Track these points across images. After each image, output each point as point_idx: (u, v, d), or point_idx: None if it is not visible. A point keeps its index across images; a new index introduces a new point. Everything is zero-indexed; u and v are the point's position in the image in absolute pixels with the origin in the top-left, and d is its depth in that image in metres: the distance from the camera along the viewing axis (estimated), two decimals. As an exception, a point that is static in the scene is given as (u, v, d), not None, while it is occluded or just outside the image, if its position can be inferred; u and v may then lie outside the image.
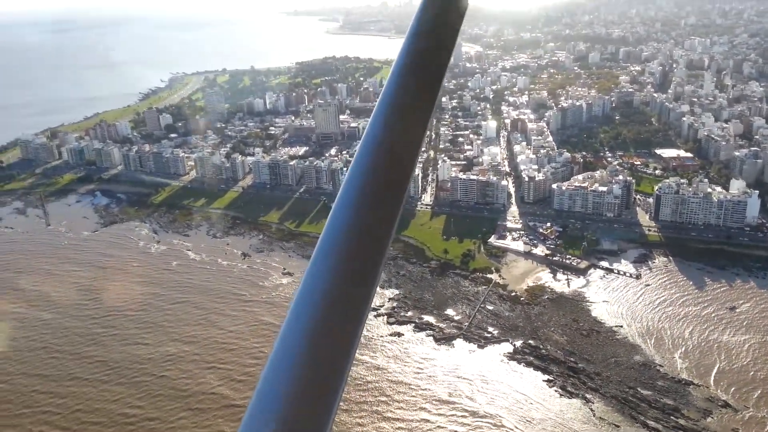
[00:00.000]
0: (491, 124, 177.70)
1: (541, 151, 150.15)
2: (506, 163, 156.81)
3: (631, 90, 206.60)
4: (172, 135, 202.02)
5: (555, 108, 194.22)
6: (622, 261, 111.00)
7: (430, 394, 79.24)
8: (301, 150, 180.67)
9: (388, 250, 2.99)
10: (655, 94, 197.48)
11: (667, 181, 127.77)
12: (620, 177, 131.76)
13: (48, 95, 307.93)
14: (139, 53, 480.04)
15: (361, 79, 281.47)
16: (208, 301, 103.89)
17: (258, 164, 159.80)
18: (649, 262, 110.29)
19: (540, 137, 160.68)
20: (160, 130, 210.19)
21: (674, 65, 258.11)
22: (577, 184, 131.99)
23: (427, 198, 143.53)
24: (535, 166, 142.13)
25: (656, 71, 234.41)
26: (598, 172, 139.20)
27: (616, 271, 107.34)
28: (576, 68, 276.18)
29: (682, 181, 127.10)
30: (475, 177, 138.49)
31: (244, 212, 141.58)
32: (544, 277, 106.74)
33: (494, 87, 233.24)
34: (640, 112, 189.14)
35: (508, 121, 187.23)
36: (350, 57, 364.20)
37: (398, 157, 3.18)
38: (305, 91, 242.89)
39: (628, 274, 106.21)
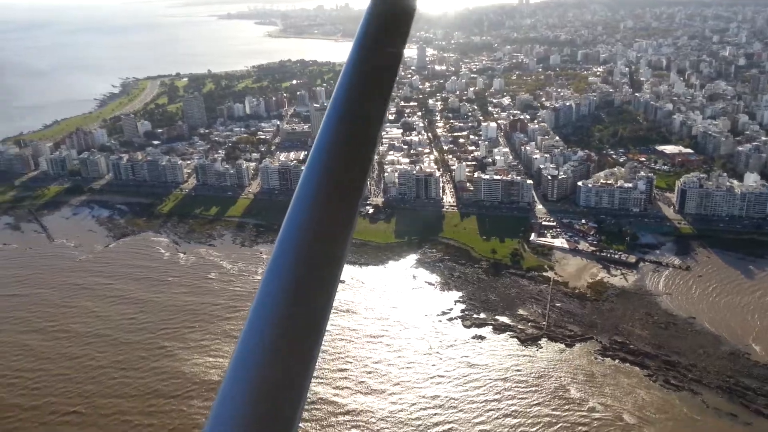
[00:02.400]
0: (491, 125, 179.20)
1: (555, 150, 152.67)
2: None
3: (610, 90, 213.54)
4: (155, 142, 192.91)
5: (544, 108, 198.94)
6: (666, 254, 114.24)
7: (549, 391, 78.74)
8: (300, 154, 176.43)
9: (347, 250, 3.04)
10: (637, 94, 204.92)
11: (689, 176, 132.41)
12: (642, 173, 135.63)
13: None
14: (70, 59, 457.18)
15: (332, 81, 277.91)
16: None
17: (267, 170, 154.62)
18: (691, 254, 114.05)
19: (547, 137, 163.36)
20: (139, 137, 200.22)
21: (633, 66, 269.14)
22: (602, 181, 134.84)
23: (448, 199, 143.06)
24: (552, 165, 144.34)
25: (624, 72, 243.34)
26: (615, 168, 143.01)
27: (665, 264, 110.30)
28: (539, 69, 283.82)
29: (701, 175, 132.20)
30: (498, 177, 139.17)
31: (265, 219, 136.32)
32: (599, 272, 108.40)
33: (471, 89, 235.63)
34: (625, 111, 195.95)
35: (501, 122, 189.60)
36: (307, 60, 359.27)
37: (354, 157, 3.31)
38: (285, 95, 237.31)
39: (677, 267, 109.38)
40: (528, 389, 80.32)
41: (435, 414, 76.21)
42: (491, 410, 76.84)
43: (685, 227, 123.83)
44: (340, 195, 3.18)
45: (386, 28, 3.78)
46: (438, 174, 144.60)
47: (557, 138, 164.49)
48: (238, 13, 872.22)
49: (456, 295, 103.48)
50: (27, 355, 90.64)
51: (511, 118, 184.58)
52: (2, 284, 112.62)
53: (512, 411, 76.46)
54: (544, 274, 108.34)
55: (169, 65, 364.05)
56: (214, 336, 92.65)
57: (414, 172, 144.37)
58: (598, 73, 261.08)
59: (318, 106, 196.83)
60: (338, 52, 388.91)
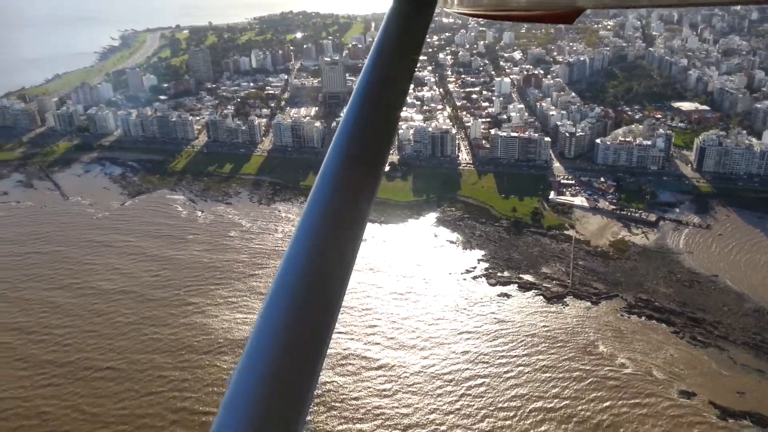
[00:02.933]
0: (505, 80, 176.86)
1: (572, 106, 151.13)
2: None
3: (624, 45, 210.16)
4: (162, 97, 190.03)
5: (557, 63, 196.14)
6: (685, 212, 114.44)
7: (578, 347, 79.86)
8: (312, 110, 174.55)
9: (363, 232, 3.23)
10: (651, 49, 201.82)
11: (708, 133, 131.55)
12: (660, 131, 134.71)
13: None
14: (65, 8, 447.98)
15: (338, 35, 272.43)
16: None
17: (279, 126, 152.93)
18: (711, 213, 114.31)
19: (562, 93, 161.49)
20: (144, 91, 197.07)
21: (644, 20, 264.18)
22: (621, 138, 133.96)
23: (464, 156, 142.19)
24: (569, 122, 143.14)
25: (637, 26, 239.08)
26: (633, 125, 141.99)
27: (685, 223, 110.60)
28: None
29: (720, 133, 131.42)
30: (515, 134, 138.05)
31: (280, 178, 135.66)
32: (620, 231, 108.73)
33: (481, 42, 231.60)
34: (638, 66, 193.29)
35: (514, 77, 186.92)
36: (309, 12, 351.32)
37: (375, 141, 3.56)
38: (291, 48, 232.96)
39: (697, 225, 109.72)
40: (557, 345, 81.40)
41: (466, 369, 77.31)
42: (522, 365, 78.01)
43: (703, 185, 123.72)
44: (354, 195, 3.36)
45: (407, 25, 4.23)
46: (454, 131, 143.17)
47: (573, 94, 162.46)
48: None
49: (478, 253, 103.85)
50: (54, 311, 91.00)
51: (525, 73, 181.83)
52: (21, 241, 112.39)
53: (542, 366, 77.68)
54: (566, 232, 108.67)
55: (168, 17, 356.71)
56: (241, 292, 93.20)
57: (430, 129, 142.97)
58: (609, 26, 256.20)
59: (329, 60, 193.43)
60: (338, 3, 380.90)
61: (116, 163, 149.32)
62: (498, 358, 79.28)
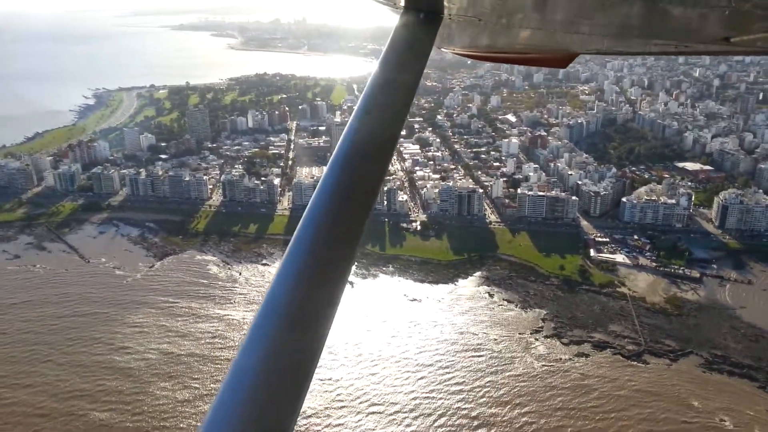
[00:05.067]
0: (513, 141, 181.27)
1: (589, 167, 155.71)
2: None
3: (612, 108, 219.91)
4: (163, 156, 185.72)
5: (551, 126, 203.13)
6: (723, 268, 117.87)
7: (671, 401, 79.49)
8: (323, 169, 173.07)
9: (356, 251, 3.41)
10: (640, 112, 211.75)
11: (727, 192, 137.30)
12: (681, 190, 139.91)
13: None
14: (27, 69, 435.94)
15: (318, 99, 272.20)
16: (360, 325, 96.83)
17: (300, 186, 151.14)
18: (746, 268, 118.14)
19: (574, 153, 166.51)
20: (142, 150, 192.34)
21: (619, 85, 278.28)
22: (646, 197, 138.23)
23: (490, 215, 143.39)
24: (589, 182, 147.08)
25: (618, 90, 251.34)
26: (652, 185, 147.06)
27: (727, 278, 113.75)
28: (525, 87, 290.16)
29: (739, 191, 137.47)
30: (542, 193, 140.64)
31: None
32: (669, 287, 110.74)
33: (472, 105, 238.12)
34: (631, 129, 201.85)
35: (514, 138, 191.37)
36: (283, 74, 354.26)
37: (371, 163, 3.81)
38: (287, 109, 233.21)
39: (739, 281, 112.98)
40: (650, 400, 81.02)
41: (561, 425, 75.93)
42: (622, 420, 77.32)
43: (731, 242, 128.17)
44: (355, 196, 3.51)
45: (407, 51, 4.44)
46: (480, 190, 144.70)
47: (585, 155, 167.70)
48: (190, 24, 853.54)
49: (540, 312, 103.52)
50: (115, 375, 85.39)
51: (529, 134, 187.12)
52: (53, 303, 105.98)
53: (641, 419, 77.15)
54: (618, 290, 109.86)
55: (137, 76, 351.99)
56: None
57: (456, 188, 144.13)
58: (586, 91, 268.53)
59: (339, 121, 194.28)
60: (312, 66, 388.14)
61: (131, 223, 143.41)
62: (593, 412, 78.30)
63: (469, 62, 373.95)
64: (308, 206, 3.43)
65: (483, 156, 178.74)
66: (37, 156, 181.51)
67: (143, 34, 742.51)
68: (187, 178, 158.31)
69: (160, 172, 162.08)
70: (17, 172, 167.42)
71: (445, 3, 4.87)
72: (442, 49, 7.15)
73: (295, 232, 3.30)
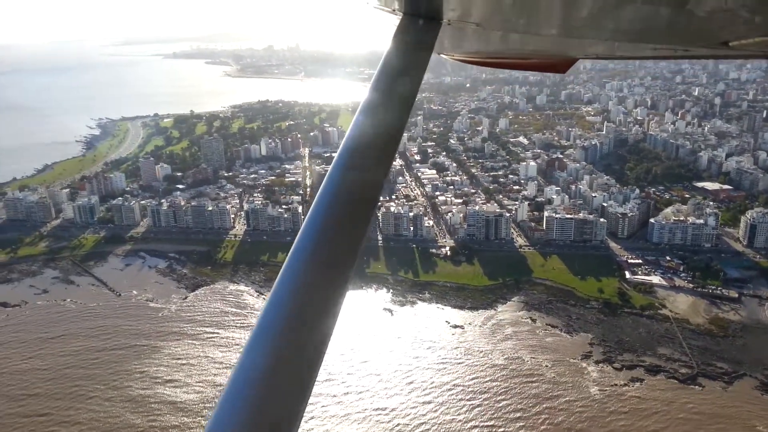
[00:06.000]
0: (531, 164, 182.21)
1: (612, 188, 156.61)
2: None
3: (623, 129, 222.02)
4: (180, 186, 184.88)
5: (562, 148, 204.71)
6: (760, 287, 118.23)
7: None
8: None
9: (358, 255, 3.45)
10: (651, 133, 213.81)
11: (753, 211, 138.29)
12: (707, 210, 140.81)
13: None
14: (24, 100, 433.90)
15: (327, 125, 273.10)
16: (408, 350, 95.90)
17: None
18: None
19: (594, 175, 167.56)
20: (158, 181, 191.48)
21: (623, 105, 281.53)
22: (673, 218, 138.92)
23: (517, 238, 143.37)
24: (614, 203, 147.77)
25: (626, 111, 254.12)
26: (677, 206, 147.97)
27: (766, 297, 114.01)
28: (530, 110, 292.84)
29: (765, 210, 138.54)
30: (570, 216, 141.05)
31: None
32: (710, 308, 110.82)
33: (482, 129, 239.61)
34: (643, 150, 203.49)
35: (530, 161, 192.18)
36: (285, 101, 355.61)
37: (371, 171, 3.86)
38: (299, 136, 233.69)
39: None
40: (712, 423, 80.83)
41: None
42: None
43: (763, 261, 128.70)
44: (354, 208, 3.52)
45: (406, 57, 4.48)
46: (508, 215, 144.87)
47: (606, 176, 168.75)
48: (183, 52, 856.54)
49: (586, 337, 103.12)
50: (178, 410, 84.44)
51: (547, 157, 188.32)
52: (90, 336, 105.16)
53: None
54: (660, 312, 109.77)
55: (137, 105, 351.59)
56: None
57: (483, 212, 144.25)
58: (591, 112, 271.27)
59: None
60: (312, 92, 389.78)
61: (156, 255, 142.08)
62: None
63: (468, 85, 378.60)
64: (310, 211, 3.47)
65: (501, 180, 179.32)
66: (53, 188, 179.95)
67: (136, 63, 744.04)
68: (210, 208, 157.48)
69: (182, 203, 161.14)
70: (35, 205, 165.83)
71: (445, 8, 4.84)
72: (442, 55, 7.13)
73: (298, 236, 3.34)
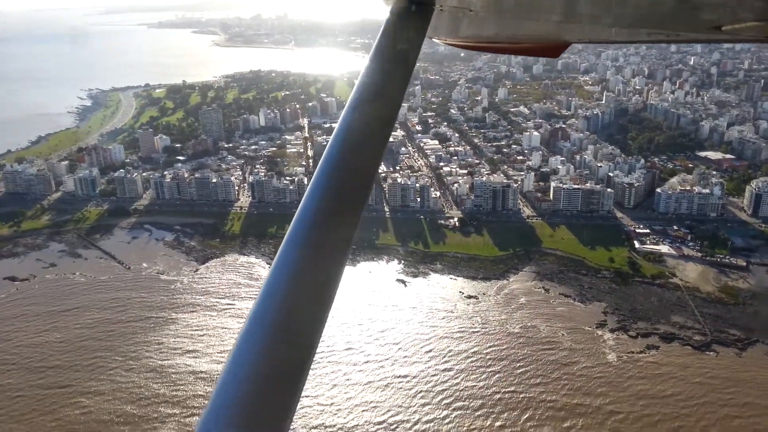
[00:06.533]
0: (534, 134, 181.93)
1: (618, 158, 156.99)
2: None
3: (623, 99, 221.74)
4: (180, 157, 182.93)
5: (564, 118, 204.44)
6: (766, 256, 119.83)
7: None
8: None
9: (351, 244, 3.42)
10: (651, 102, 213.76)
11: (758, 181, 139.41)
12: (713, 180, 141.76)
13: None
14: (8, 69, 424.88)
15: (324, 95, 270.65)
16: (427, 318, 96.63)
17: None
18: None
19: (598, 145, 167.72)
20: (158, 153, 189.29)
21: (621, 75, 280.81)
22: (679, 187, 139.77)
23: (524, 209, 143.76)
24: (620, 173, 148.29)
25: (625, 81, 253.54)
26: (682, 175, 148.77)
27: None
28: (527, 79, 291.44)
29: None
30: (577, 186, 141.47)
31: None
32: (719, 277, 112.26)
33: (482, 98, 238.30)
34: (645, 119, 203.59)
35: (532, 130, 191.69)
36: (278, 71, 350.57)
37: (365, 155, 3.83)
38: (298, 107, 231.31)
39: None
40: (728, 387, 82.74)
41: (647, 413, 77.01)
42: (705, 405, 78.89)
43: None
44: (349, 192, 3.53)
45: (399, 42, 4.52)
46: (515, 185, 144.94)
47: (611, 146, 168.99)
48: (169, 21, 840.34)
49: (599, 306, 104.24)
50: (203, 380, 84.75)
51: (550, 126, 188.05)
52: (105, 308, 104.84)
53: (724, 405, 78.95)
54: (671, 280, 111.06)
55: (127, 76, 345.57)
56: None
57: (490, 183, 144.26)
58: (589, 82, 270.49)
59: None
60: (304, 61, 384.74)
61: (163, 228, 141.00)
62: (677, 400, 79.58)
63: (462, 54, 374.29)
64: (303, 199, 3.39)
65: (505, 150, 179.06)
66: (51, 161, 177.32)
67: (121, 33, 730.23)
68: (214, 180, 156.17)
69: (186, 175, 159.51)
70: (35, 178, 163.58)
71: None
72: (434, 39, 7.17)
73: (290, 227, 3.27)
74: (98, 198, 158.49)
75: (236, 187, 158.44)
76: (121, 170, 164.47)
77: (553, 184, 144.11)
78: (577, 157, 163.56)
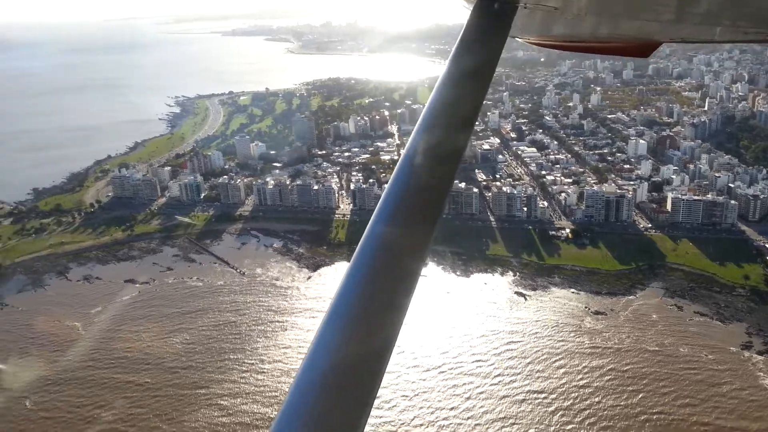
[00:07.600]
0: (640, 141, 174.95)
1: (737, 168, 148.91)
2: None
3: (729, 105, 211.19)
4: (276, 164, 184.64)
5: (668, 125, 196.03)
6: None
7: None
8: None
9: (426, 256, 3.31)
10: (761, 109, 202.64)
11: None
12: None
13: (52, 124, 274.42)
14: (94, 78, 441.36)
15: (410, 102, 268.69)
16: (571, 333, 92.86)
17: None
18: None
19: (713, 154, 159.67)
20: (254, 159, 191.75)
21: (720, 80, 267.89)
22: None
23: (639, 220, 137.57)
24: (740, 183, 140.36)
25: (728, 87, 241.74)
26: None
27: None
28: (618, 85, 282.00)
29: None
30: (698, 197, 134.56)
31: (461, 247, 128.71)
32: None
33: (576, 105, 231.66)
34: (756, 127, 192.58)
35: (634, 138, 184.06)
36: (358, 78, 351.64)
37: (440, 167, 3.57)
38: (386, 114, 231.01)
39: None
40: None
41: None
42: None
43: None
44: (423, 204, 3.46)
45: (481, 41, 4.26)
46: (629, 195, 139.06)
47: (727, 156, 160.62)
48: (241, 30, 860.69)
49: (740, 326, 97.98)
50: None
51: (655, 134, 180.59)
52: (228, 311, 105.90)
53: None
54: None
55: (210, 83, 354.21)
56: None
57: (603, 193, 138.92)
58: (686, 88, 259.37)
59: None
60: (381, 68, 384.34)
61: (270, 234, 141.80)
62: None
63: (543, 59, 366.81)
64: (379, 203, 3.31)
65: (609, 158, 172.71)
66: (157, 167, 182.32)
67: (196, 41, 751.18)
68: (315, 187, 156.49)
69: (288, 182, 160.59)
70: (142, 183, 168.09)
71: None
72: (518, 39, 6.91)
73: (365, 233, 3.23)
74: (203, 203, 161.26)
75: (336, 194, 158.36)
76: (224, 177, 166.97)
77: (670, 194, 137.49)
78: (691, 166, 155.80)
